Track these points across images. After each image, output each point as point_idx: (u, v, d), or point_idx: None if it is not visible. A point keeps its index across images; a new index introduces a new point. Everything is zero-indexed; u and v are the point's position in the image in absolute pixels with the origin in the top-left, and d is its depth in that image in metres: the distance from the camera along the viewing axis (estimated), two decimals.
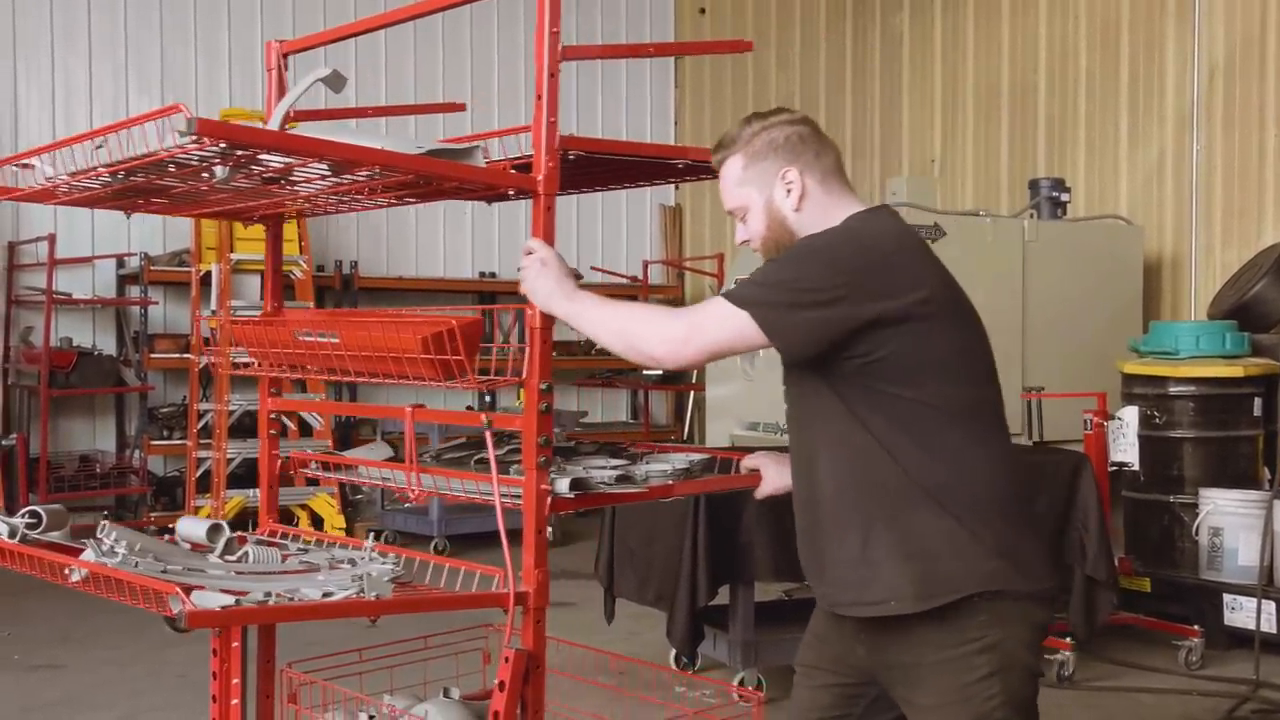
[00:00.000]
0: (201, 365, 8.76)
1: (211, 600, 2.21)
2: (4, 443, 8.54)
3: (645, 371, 10.96)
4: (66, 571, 2.35)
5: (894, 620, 2.32)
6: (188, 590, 2.17)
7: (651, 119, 11.77)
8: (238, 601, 2.26)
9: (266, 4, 10.02)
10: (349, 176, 2.62)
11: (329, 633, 3.38)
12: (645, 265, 11.10)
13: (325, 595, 2.44)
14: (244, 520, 8.64)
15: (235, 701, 2.92)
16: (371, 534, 8.62)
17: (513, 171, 2.70)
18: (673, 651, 5.25)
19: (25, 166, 2.76)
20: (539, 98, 2.55)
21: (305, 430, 9.08)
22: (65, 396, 8.80)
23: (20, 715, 4.80)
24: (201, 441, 8.66)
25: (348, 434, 9.63)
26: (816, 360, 2.36)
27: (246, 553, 2.76)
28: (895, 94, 9.45)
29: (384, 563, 2.82)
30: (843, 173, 2.51)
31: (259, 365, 3.12)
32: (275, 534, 3.11)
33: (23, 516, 2.69)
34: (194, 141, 2.25)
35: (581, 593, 6.85)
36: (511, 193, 2.72)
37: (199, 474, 8.60)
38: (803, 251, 2.40)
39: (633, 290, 11.13)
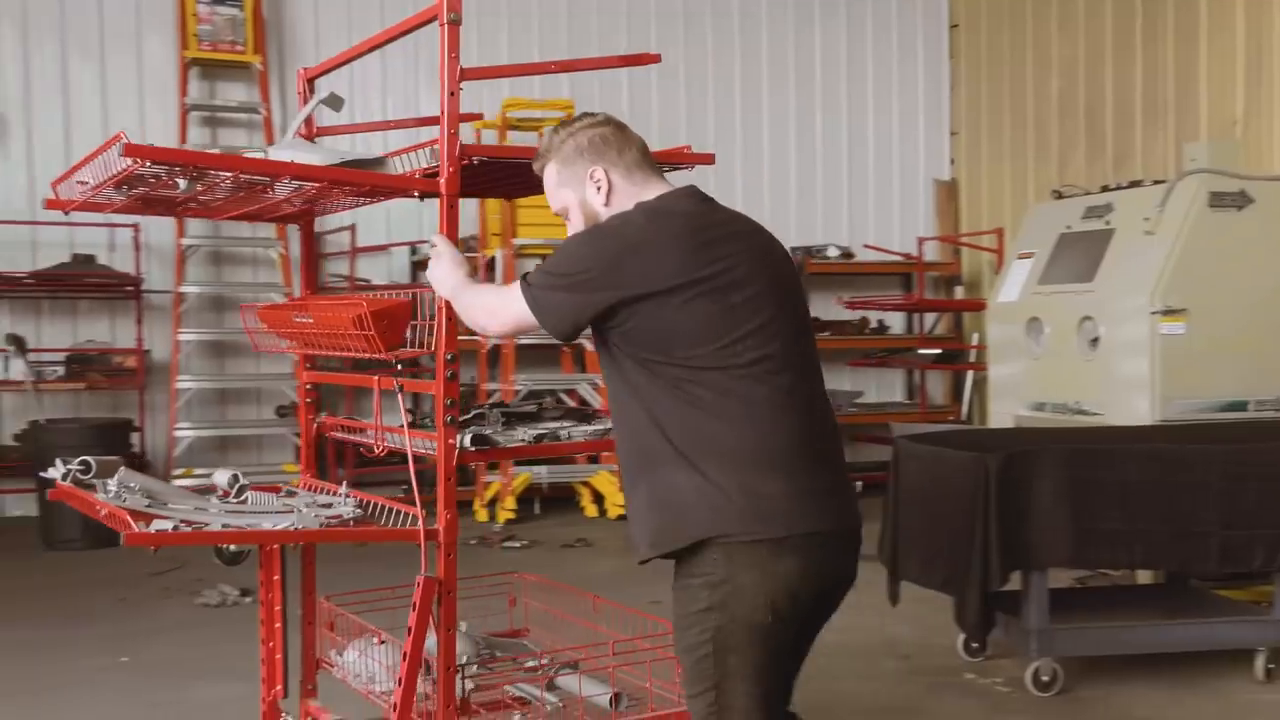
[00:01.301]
0: (490, 346, 9.15)
1: (158, 526, 2.86)
2: (317, 421, 9.14)
3: (921, 351, 10.73)
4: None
5: (657, 561, 2.63)
6: (148, 520, 2.88)
7: (923, 91, 11.49)
8: (175, 528, 2.89)
9: None
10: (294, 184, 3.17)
11: (378, 574, 3.78)
12: (920, 242, 10.85)
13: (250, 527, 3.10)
14: (530, 496, 8.99)
15: (278, 625, 3.64)
16: None
17: (419, 178, 3.20)
18: (960, 637, 5.13)
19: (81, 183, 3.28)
20: (441, 114, 3.02)
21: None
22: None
23: None
24: None
25: None
26: (596, 335, 2.66)
27: (246, 498, 3.32)
28: (1192, 51, 8.85)
29: (353, 509, 3.34)
30: (647, 163, 2.78)
31: (290, 344, 3.69)
32: (314, 488, 3.66)
33: (80, 464, 3.21)
34: (133, 162, 2.80)
35: (862, 574, 6.77)
36: (418, 193, 3.16)
37: None
38: (573, 239, 2.69)
39: (907, 268, 10.92)
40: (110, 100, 9.23)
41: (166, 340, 9.08)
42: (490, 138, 9.46)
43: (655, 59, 4.05)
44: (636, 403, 2.61)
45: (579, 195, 2.77)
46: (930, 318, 10.95)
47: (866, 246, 10.80)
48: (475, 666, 3.39)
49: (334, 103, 3.65)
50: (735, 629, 2.51)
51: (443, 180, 3.03)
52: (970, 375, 10.67)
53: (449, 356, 3.05)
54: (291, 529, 3.07)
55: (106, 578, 6.84)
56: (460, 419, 3.22)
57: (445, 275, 2.95)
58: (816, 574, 2.56)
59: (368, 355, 3.15)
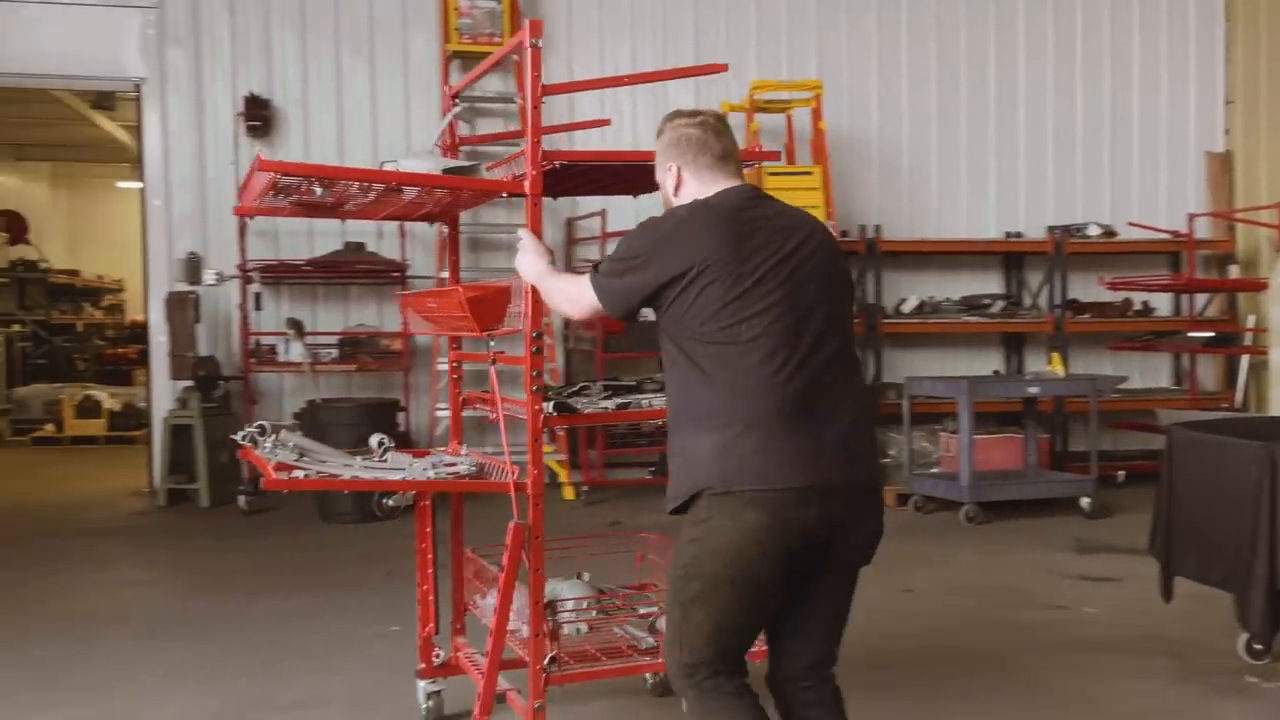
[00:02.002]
0: None
1: (295, 474, 3.66)
2: (463, 395, 9.41)
3: (1191, 334, 10.15)
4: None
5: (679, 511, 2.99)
6: (289, 470, 3.65)
7: (1195, 59, 10.83)
8: (307, 475, 3.72)
9: None
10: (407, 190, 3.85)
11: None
12: (1190, 219, 10.24)
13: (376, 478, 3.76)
14: None
15: (430, 572, 4.30)
16: (898, 498, 8.68)
17: (510, 181, 3.73)
18: (1242, 637, 4.82)
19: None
20: (524, 127, 3.57)
21: None
22: (617, 359, 9.54)
23: None
24: None
25: (874, 397, 9.69)
26: (637, 316, 3.11)
27: (387, 457, 3.94)
28: None
29: (470, 466, 3.96)
30: (722, 165, 3.12)
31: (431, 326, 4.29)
32: (455, 451, 4.27)
33: (256, 427, 3.94)
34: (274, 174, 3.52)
35: (1128, 568, 6.49)
36: (506, 195, 3.78)
37: None
38: (629, 231, 3.12)
39: (1175, 246, 10.33)
40: (378, 94, 9.70)
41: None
42: (738, 121, 9.46)
43: (723, 68, 4.44)
44: (668, 376, 3.06)
45: (660, 180, 3.21)
46: (1201, 299, 10.34)
47: (1130, 224, 10.27)
48: (571, 604, 3.97)
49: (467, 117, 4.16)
50: (705, 559, 2.88)
51: (527, 183, 3.57)
52: (1246, 359, 10.02)
53: (535, 334, 3.58)
54: (402, 479, 3.79)
55: (377, 550, 7.23)
56: (566, 390, 4.02)
57: (530, 265, 3.46)
58: (783, 526, 2.84)
59: (471, 334, 3.77)
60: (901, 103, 10.49)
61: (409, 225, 9.29)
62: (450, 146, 4.35)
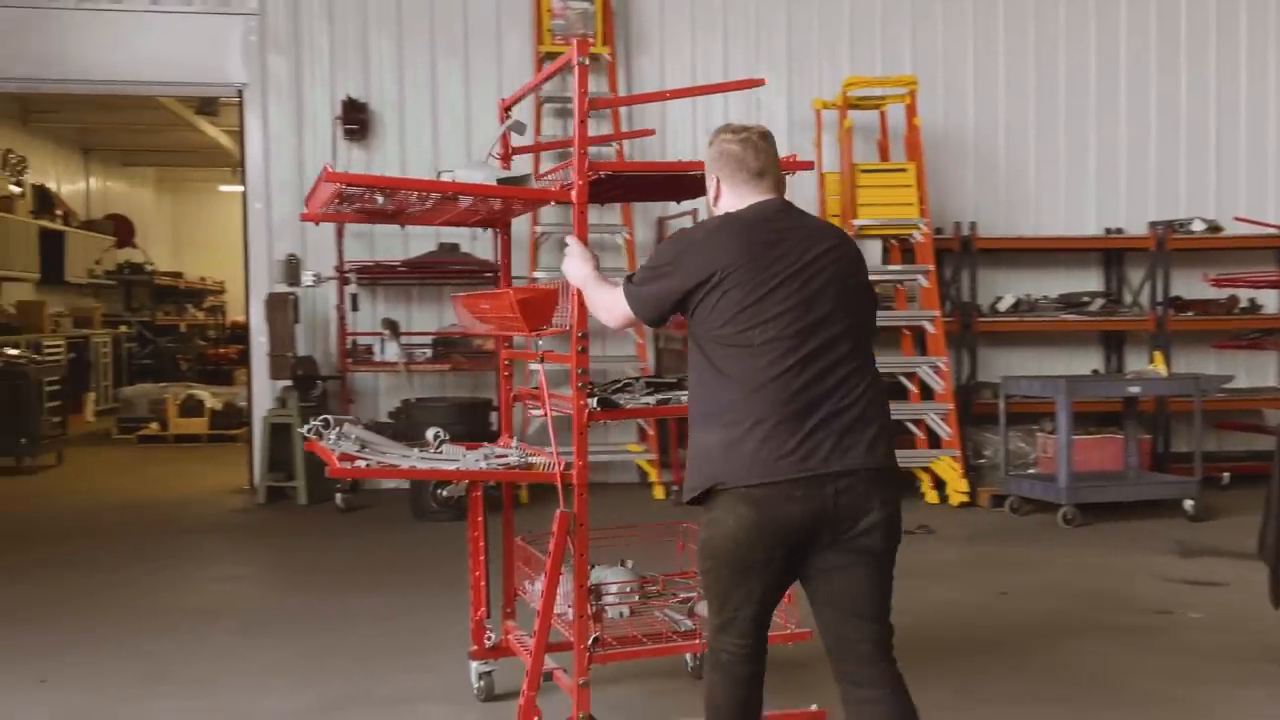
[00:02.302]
0: None
1: (357, 464, 3.89)
2: (514, 391, 9.42)
3: None
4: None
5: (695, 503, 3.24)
6: (350, 460, 3.88)
7: None
8: (369, 465, 3.93)
9: None
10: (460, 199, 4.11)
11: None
12: None
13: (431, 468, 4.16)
14: None
15: (482, 559, 4.61)
16: (993, 499, 8.55)
17: (560, 190, 3.99)
18: None
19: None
20: (574, 141, 3.77)
21: (926, 393, 9.15)
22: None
23: None
24: None
25: (969, 397, 9.58)
26: (667, 321, 3.35)
27: (442, 449, 4.18)
28: None
29: (519, 458, 4.20)
30: (758, 180, 3.29)
31: (484, 326, 4.47)
32: (505, 443, 4.46)
33: (320, 421, 4.13)
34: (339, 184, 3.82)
35: (1235, 572, 6.33)
36: (553, 203, 4.12)
37: None
38: (664, 241, 3.42)
39: None
40: (472, 96, 9.79)
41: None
42: (831, 118, 9.40)
43: (761, 83, 4.79)
44: (690, 375, 3.29)
45: (706, 190, 3.44)
46: None
47: (1237, 219, 9.98)
48: (614, 588, 4.28)
49: (518, 128, 4.49)
50: (713, 546, 3.17)
51: (574, 192, 3.77)
52: None
53: (581, 334, 3.78)
54: (455, 469, 4.06)
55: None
56: (611, 387, 4.25)
57: (576, 269, 3.65)
58: (770, 517, 3.07)
59: (520, 333, 4.02)
60: (998, 96, 10.33)
61: None
62: (504, 156, 4.60)
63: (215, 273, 20.75)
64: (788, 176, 3.50)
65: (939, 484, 8.94)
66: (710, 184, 3.39)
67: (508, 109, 4.63)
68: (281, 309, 9.00)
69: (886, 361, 9.23)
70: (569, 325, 3.81)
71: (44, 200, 16.03)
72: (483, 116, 9.77)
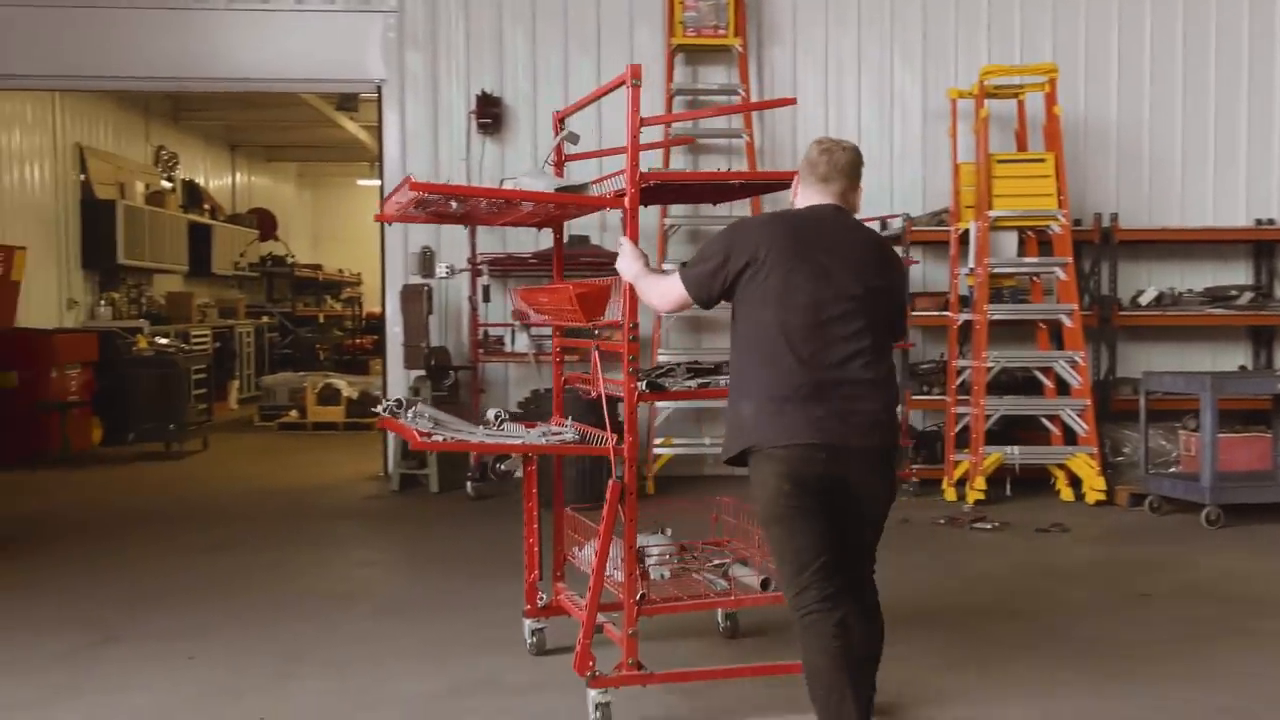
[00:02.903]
0: (960, 322, 8.96)
1: (433, 439, 4.35)
2: (564, 376, 9.34)
3: None
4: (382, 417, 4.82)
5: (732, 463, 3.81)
6: (427, 435, 4.31)
7: None
8: (444, 440, 4.43)
9: None
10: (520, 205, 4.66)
11: None
12: None
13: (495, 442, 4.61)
14: (1002, 476, 8.73)
15: (535, 526, 5.08)
16: (1132, 498, 8.30)
17: (613, 197, 4.46)
18: None
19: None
20: (628, 152, 4.28)
21: (1063, 388, 8.93)
22: None
23: None
24: (959, 397, 8.88)
25: (1107, 393, 9.32)
26: (719, 303, 3.85)
27: (504, 426, 4.69)
28: None
29: (573, 435, 4.65)
30: (824, 185, 3.82)
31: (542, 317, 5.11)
32: (559, 423, 4.87)
33: (394, 401, 4.73)
34: (412, 190, 4.27)
35: None
36: (609, 209, 4.52)
37: (958, 429, 8.82)
38: (719, 231, 3.90)
39: None
40: None
41: (650, 315, 9.58)
42: (966, 108, 9.22)
43: (791, 101, 5.84)
44: (731, 353, 3.85)
45: (793, 189, 3.97)
46: None
47: None
48: (656, 551, 4.79)
49: (572, 138, 5.04)
50: (764, 512, 3.74)
51: (627, 199, 4.28)
52: None
53: (633, 324, 4.27)
54: (516, 442, 4.62)
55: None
56: (656, 372, 4.71)
57: (628, 266, 4.16)
58: (794, 471, 3.62)
59: (578, 324, 4.59)
60: (1143, 84, 10.00)
61: None
62: (558, 164, 5.09)
63: (352, 265, 21.30)
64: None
65: (1074, 481, 8.72)
66: (795, 182, 3.96)
67: (561, 120, 5.16)
68: (416, 300, 9.18)
69: (1022, 356, 9.05)
70: (621, 317, 4.30)
71: (193, 195, 16.64)
72: (613, 109, 9.79)
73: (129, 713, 4.34)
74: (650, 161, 9.34)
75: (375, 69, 9.83)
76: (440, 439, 4.37)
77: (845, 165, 3.81)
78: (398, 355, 9.60)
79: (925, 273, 9.88)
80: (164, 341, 12.85)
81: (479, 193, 4.77)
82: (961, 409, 8.84)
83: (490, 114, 9.66)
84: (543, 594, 5.08)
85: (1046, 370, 9.02)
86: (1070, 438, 8.84)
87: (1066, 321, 8.86)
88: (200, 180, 17.41)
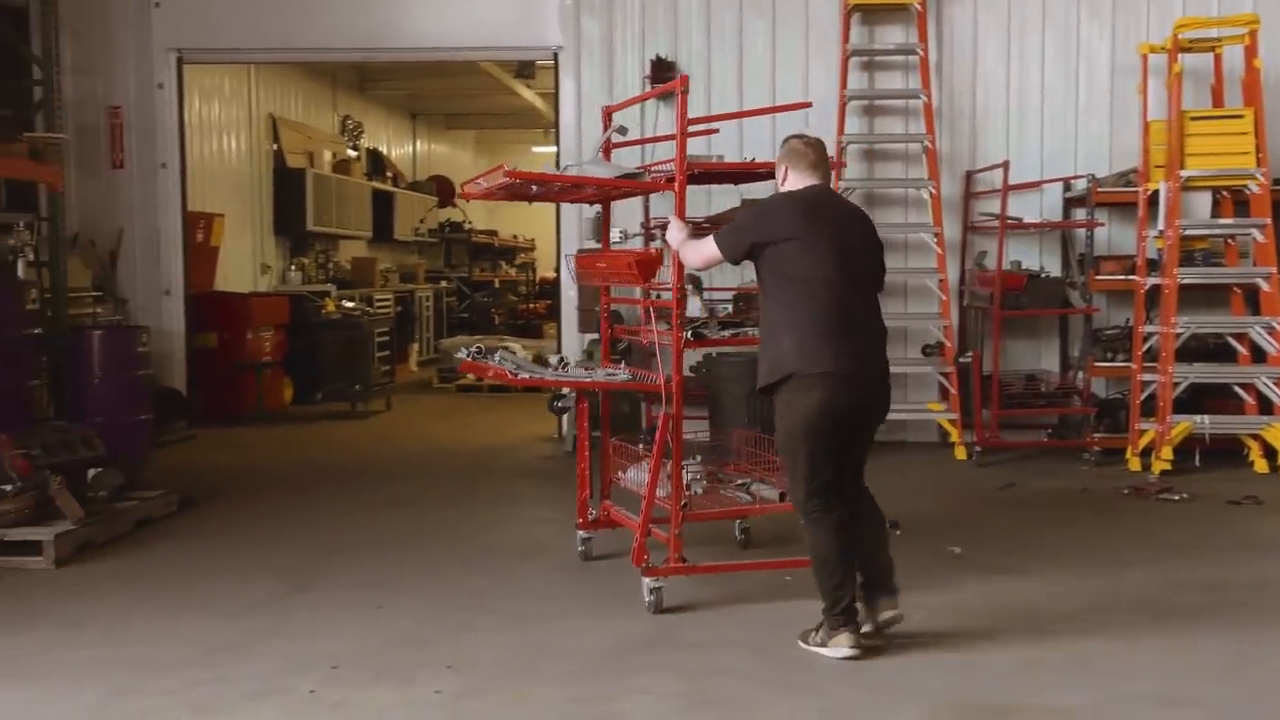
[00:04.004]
0: (1148, 287, 8.63)
1: (517, 376, 5.60)
2: (961, 360, 9.20)
3: None
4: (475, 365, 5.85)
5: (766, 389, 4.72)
6: (514, 374, 5.56)
7: None
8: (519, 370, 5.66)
9: None
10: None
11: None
12: None
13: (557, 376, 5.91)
14: (1190, 447, 8.40)
15: (585, 451, 6.12)
16: None
17: (665, 182, 5.53)
18: None
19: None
20: (677, 143, 5.28)
21: (1258, 355, 8.53)
22: (1014, 317, 9.21)
23: (988, 613, 5.21)
24: (1146, 364, 8.57)
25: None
26: (751, 262, 4.75)
27: (567, 368, 5.91)
28: None
29: (626, 375, 5.85)
30: (812, 170, 4.78)
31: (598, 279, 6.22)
32: (615, 366, 6.04)
33: (475, 349, 5.84)
34: (507, 177, 5.29)
35: None
36: (660, 191, 5.79)
37: (1143, 397, 8.52)
38: (747, 207, 5.32)
39: None
40: (778, 51, 9.76)
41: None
42: (1158, 63, 8.84)
43: (806, 105, 7.04)
44: (765, 302, 4.74)
45: (777, 174, 4.92)
46: None
47: None
48: (693, 472, 5.91)
49: (621, 131, 6.22)
50: (793, 427, 4.58)
51: (677, 185, 5.28)
52: None
53: (681, 285, 5.28)
54: (577, 379, 5.82)
55: None
56: (696, 324, 5.66)
57: (674, 235, 5.10)
58: (829, 398, 4.50)
59: (634, 284, 5.64)
60: None
61: None
62: (606, 150, 6.15)
63: (527, 231, 21.67)
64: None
65: (1269, 453, 8.33)
66: (780, 171, 4.89)
67: (609, 115, 6.21)
68: None
69: (1214, 321, 8.68)
70: (670, 279, 5.29)
71: (376, 163, 17.17)
72: (787, 71, 9.74)
73: (325, 657, 4.56)
74: (829, 122, 9.30)
75: (553, 36, 9.96)
76: (522, 375, 5.63)
77: (824, 153, 4.86)
78: (572, 319, 9.76)
79: (1111, 235, 9.55)
80: (350, 305, 13.34)
81: (554, 179, 5.81)
82: (1148, 376, 8.53)
83: (664, 78, 9.66)
84: (592, 509, 6.07)
85: (1240, 336, 8.63)
86: (1265, 407, 8.45)
87: (1264, 285, 8.45)
88: (383, 148, 17.95)
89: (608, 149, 6.13)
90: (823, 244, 4.56)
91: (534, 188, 5.70)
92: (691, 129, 5.53)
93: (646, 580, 5.17)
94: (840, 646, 4.51)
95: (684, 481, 5.50)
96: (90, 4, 10.11)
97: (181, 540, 6.54)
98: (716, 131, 6.94)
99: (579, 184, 5.71)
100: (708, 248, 4.85)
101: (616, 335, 6.15)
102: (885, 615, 4.68)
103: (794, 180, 4.80)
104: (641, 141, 8.00)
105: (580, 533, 6.07)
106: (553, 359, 5.81)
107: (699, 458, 6.16)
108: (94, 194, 10.23)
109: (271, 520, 7.06)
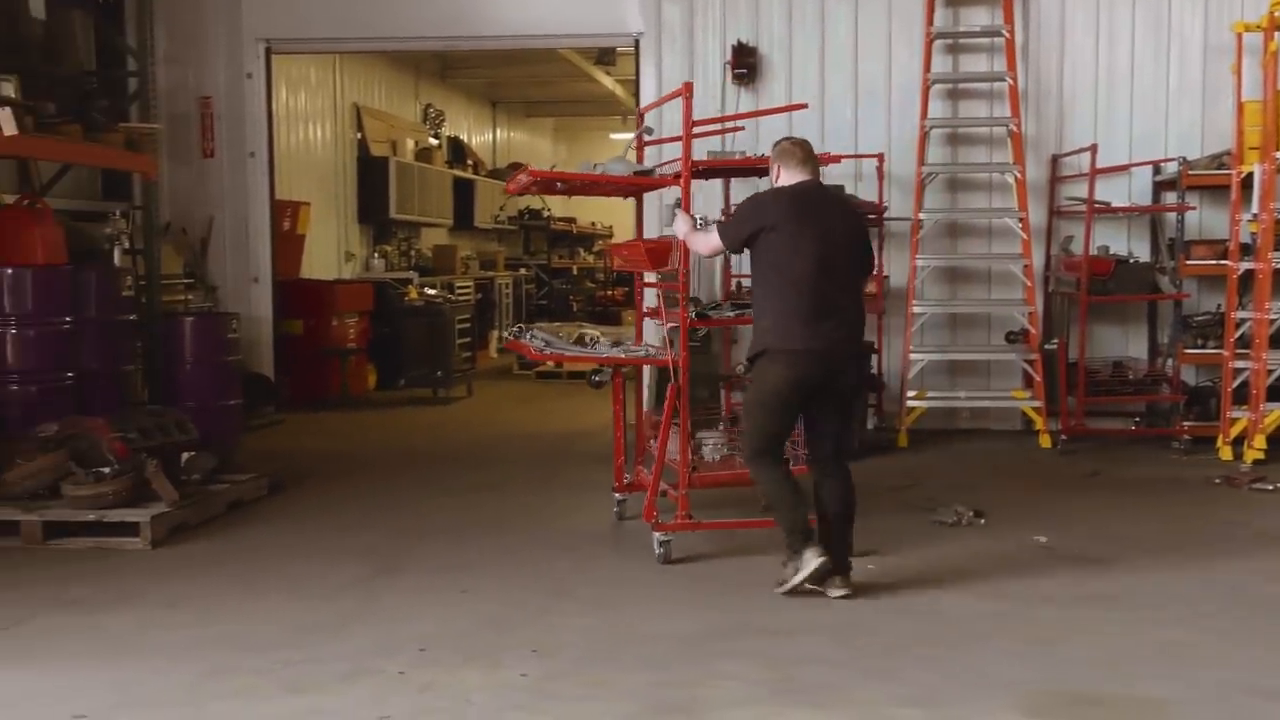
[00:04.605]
0: (1240, 272, 8.43)
1: (543, 353, 6.54)
2: (1047, 346, 9.07)
3: None
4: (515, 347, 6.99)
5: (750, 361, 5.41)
6: (541, 350, 6.46)
7: None
8: (547, 346, 6.53)
9: None
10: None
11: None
12: None
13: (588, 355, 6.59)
14: None
15: (620, 421, 6.80)
16: None
17: (673, 178, 6.19)
18: None
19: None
20: (683, 143, 5.93)
21: None
22: (1101, 303, 9.05)
23: (1075, 603, 5.15)
24: (1238, 351, 8.37)
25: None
26: (744, 250, 5.44)
27: (598, 345, 6.58)
28: None
29: (646, 350, 6.55)
30: (800, 167, 5.32)
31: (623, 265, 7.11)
32: (639, 344, 6.82)
33: (515, 327, 6.70)
34: (529, 177, 6.48)
35: None
36: (667, 187, 6.49)
37: (1235, 384, 8.33)
38: (744, 201, 5.66)
39: None
40: (861, 36, 9.67)
41: (904, 266, 9.44)
42: (1253, 42, 8.61)
43: (804, 106, 8.24)
44: (755, 286, 5.38)
45: (771, 171, 5.46)
46: None
47: None
48: (711, 441, 6.61)
49: (648, 131, 7.04)
50: (761, 394, 5.24)
51: (682, 181, 5.91)
52: None
53: (685, 271, 5.86)
54: (601, 355, 6.52)
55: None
56: (708, 306, 6.54)
57: (680, 226, 5.68)
58: (796, 372, 5.12)
59: (647, 270, 6.35)
60: None
61: (889, 168, 9.26)
62: (639, 148, 6.86)
63: (604, 218, 21.69)
64: None
65: None
66: (773, 169, 5.43)
67: (643, 114, 7.18)
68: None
69: None
70: (677, 265, 5.86)
71: (457, 151, 17.32)
72: (870, 56, 9.65)
73: (415, 639, 4.63)
74: (912, 106, 9.25)
75: (634, 22, 9.95)
76: (551, 350, 6.46)
77: (811, 151, 5.41)
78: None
79: (1202, 219, 9.35)
80: (431, 292, 13.48)
81: (576, 177, 6.76)
82: (1240, 363, 8.34)
83: (745, 64, 9.65)
84: (628, 474, 6.68)
85: None
86: None
87: None
88: (464, 136, 18.10)
89: (640, 146, 6.88)
90: (805, 234, 5.11)
91: (559, 185, 7.00)
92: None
93: (656, 534, 5.78)
94: (810, 561, 5.02)
95: (702, 450, 6.41)
96: None
97: (271, 523, 6.68)
98: (805, 106, 8.29)
99: (597, 181, 6.47)
100: (714, 238, 5.47)
101: (649, 317, 6.85)
102: (835, 593, 5.08)
103: (785, 177, 5.33)
104: (721, 120, 8.08)
105: (616, 495, 6.71)
106: (587, 338, 6.54)
107: (721, 428, 6.87)
108: (185, 183, 10.44)
109: (358, 504, 7.19)
